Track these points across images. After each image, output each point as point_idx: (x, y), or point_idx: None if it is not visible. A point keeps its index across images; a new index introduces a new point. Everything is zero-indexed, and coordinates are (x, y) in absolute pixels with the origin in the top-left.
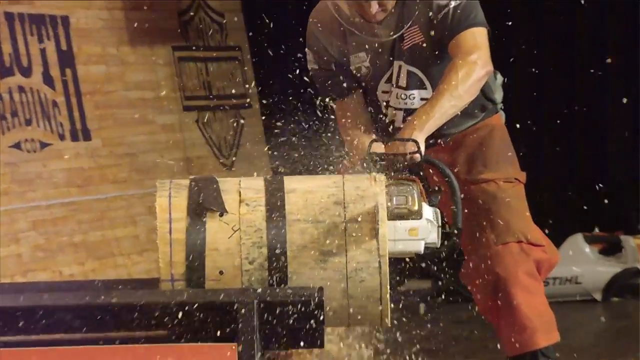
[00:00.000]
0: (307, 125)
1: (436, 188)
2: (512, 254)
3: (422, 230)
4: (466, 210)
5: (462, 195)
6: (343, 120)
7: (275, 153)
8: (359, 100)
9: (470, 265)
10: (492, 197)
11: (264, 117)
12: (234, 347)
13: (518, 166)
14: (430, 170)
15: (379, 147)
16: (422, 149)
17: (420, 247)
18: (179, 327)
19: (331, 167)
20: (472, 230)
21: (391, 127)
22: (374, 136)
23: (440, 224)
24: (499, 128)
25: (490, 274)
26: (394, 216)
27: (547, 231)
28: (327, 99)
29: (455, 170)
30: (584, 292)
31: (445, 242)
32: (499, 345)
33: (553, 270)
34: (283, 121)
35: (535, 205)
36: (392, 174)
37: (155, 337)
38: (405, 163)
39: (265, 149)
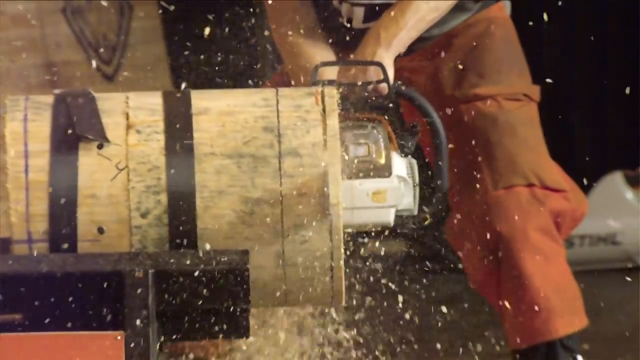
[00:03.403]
0: (226, 19)
1: (411, 126)
2: (518, 203)
3: (392, 194)
4: (452, 135)
5: (446, 116)
6: (277, 21)
7: (180, 59)
8: None
9: (459, 219)
10: (491, 121)
11: (162, 8)
12: (119, 337)
13: (529, 77)
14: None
15: (330, 73)
16: (391, 75)
17: (389, 217)
18: (40, 308)
19: (261, 83)
20: (461, 169)
21: (349, 28)
22: (321, 45)
23: (417, 182)
24: (500, 23)
25: (488, 231)
26: (350, 174)
27: (571, 169)
28: None
29: (439, 84)
30: (624, 257)
31: (426, 207)
32: (501, 334)
33: (580, 226)
34: (192, 13)
35: (555, 134)
36: (347, 110)
37: (4, 323)
38: (367, 96)
39: (165, 52)
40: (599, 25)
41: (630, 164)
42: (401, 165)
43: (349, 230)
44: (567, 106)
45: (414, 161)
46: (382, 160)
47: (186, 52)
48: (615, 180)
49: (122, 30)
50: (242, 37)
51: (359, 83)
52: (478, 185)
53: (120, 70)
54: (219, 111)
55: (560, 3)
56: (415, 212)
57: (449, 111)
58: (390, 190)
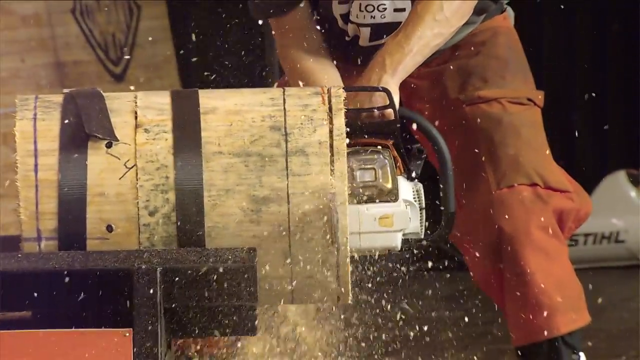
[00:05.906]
0: (234, 19)
1: (417, 151)
2: (522, 202)
3: (399, 218)
4: (456, 136)
5: (450, 118)
6: (284, 43)
7: (188, 59)
8: (306, 16)
9: (463, 218)
10: (496, 122)
11: (171, 6)
12: (127, 334)
13: (532, 82)
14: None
15: None
16: (396, 100)
17: (396, 242)
18: (50, 306)
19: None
20: (465, 168)
21: (355, 46)
22: (328, 67)
23: (423, 205)
24: (504, 32)
25: (491, 229)
26: (357, 199)
27: (573, 170)
28: (261, 17)
29: (443, 89)
30: (627, 254)
31: (434, 226)
32: (505, 331)
33: (584, 224)
34: (200, 10)
35: (559, 136)
36: (353, 135)
37: (15, 320)
38: (373, 121)
39: (173, 51)
40: (599, 25)
41: (632, 164)
42: (408, 189)
43: (356, 254)
44: (568, 107)
45: (420, 185)
46: (389, 185)
47: (194, 52)
48: (618, 179)
49: (131, 30)
50: (250, 36)
51: (365, 108)
52: (481, 184)
53: (128, 70)
54: (226, 110)
55: (561, 5)
56: (422, 236)
57: (453, 114)
58: (397, 215)
